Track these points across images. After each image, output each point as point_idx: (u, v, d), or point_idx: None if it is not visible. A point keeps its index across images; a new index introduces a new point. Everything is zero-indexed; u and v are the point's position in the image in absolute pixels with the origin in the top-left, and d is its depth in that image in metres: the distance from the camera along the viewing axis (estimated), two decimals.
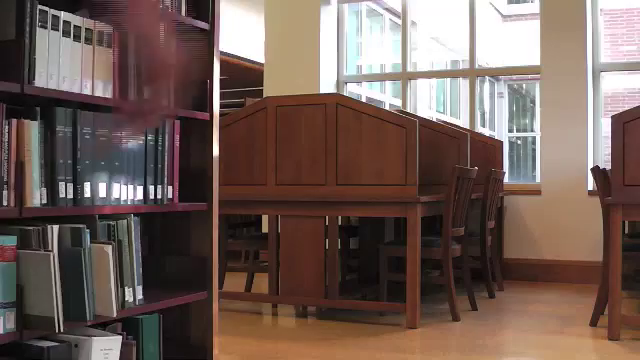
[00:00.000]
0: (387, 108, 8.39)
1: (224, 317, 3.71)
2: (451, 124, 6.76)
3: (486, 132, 12.03)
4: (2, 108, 2.06)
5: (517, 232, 6.26)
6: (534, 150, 14.46)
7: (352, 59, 9.40)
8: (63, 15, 2.26)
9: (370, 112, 4.35)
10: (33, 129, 2.15)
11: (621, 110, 4.14)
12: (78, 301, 2.16)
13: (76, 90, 2.29)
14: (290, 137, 4.47)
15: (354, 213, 4.91)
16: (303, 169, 4.42)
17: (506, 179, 6.30)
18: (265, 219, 5.58)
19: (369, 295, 4.80)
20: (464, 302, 4.68)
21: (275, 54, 7.17)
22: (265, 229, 5.37)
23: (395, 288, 4.50)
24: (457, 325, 4.33)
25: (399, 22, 7.48)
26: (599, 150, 6.31)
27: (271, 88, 6.93)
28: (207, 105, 2.82)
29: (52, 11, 2.22)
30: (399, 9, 7.39)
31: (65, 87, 2.26)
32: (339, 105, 4.38)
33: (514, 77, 14.57)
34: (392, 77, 8.66)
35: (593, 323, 4.18)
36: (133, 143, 2.51)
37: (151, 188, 2.59)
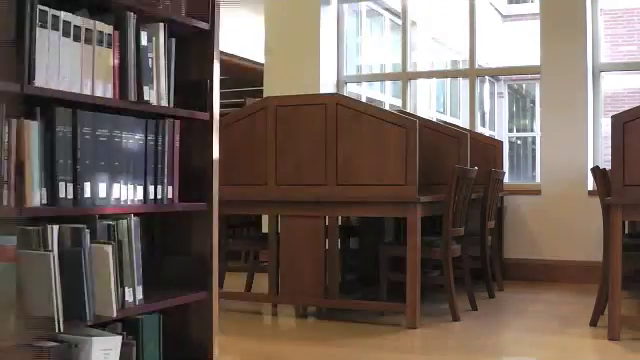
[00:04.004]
0: (387, 108, 8.39)
1: (224, 317, 3.70)
2: (451, 124, 6.76)
3: (486, 132, 12.02)
4: (2, 108, 2.06)
5: (517, 232, 6.26)
6: (534, 150, 14.45)
7: (352, 59, 9.39)
8: (63, 15, 2.26)
9: (370, 112, 4.35)
10: (33, 129, 2.15)
11: (621, 110, 4.14)
12: (78, 301, 2.16)
13: (76, 90, 2.30)
14: (290, 137, 4.46)
15: (354, 213, 4.91)
16: (303, 169, 4.41)
17: (506, 179, 6.29)
18: (265, 219, 5.58)
19: (369, 295, 4.80)
20: (464, 302, 4.68)
21: (275, 54, 7.17)
22: (265, 229, 5.37)
23: (395, 288, 4.49)
24: (457, 325, 4.33)
25: (399, 22, 7.48)
26: (599, 150, 6.31)
27: (271, 88, 6.93)
28: (207, 105, 2.82)
29: (52, 11, 2.22)
30: (399, 9, 7.39)
31: (65, 87, 2.26)
32: (339, 105, 4.38)
33: (514, 77, 14.56)
34: (392, 77, 8.66)
35: (593, 323, 4.18)
36: (133, 143, 2.52)
37: (151, 188, 2.59)
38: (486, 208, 5.14)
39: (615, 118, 3.88)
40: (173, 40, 2.71)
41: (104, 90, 2.40)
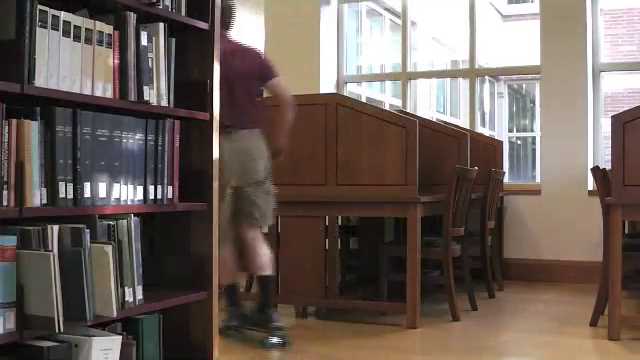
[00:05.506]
0: (387, 108, 8.39)
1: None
2: (451, 124, 6.76)
3: (486, 132, 12.03)
4: (2, 108, 2.06)
5: (517, 232, 6.26)
6: (534, 150, 14.46)
7: (352, 59, 9.39)
8: (63, 15, 2.26)
9: (370, 112, 4.35)
10: (33, 129, 2.15)
11: (621, 110, 4.14)
12: (78, 301, 2.16)
13: (76, 90, 2.29)
14: (290, 137, 4.46)
15: (354, 213, 4.91)
16: (303, 169, 4.41)
17: (506, 179, 6.30)
18: None
19: (369, 295, 4.80)
20: (464, 302, 4.68)
21: (275, 54, 7.15)
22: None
23: (395, 288, 4.49)
24: (457, 325, 4.33)
25: (399, 22, 7.48)
26: (599, 150, 6.31)
27: None
28: (207, 105, 2.82)
29: (52, 11, 2.22)
30: (399, 9, 7.39)
31: (65, 87, 2.26)
32: (339, 105, 4.38)
33: (514, 77, 14.57)
34: (392, 77, 8.67)
35: (593, 323, 4.18)
36: (133, 143, 2.52)
37: (151, 188, 2.59)
38: (486, 208, 5.14)
39: (615, 118, 3.88)
40: (173, 40, 2.71)
41: (104, 90, 2.39)
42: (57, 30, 2.23)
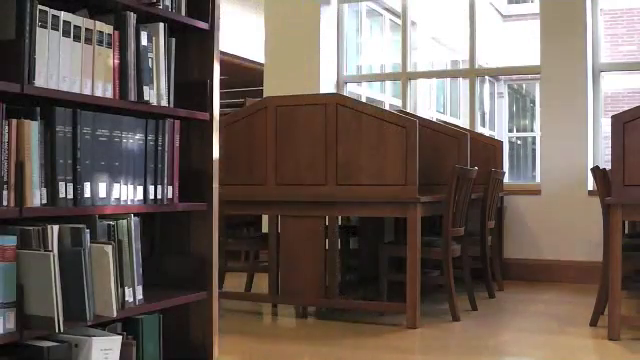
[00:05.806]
0: (387, 108, 8.39)
1: (224, 317, 3.70)
2: (451, 124, 6.76)
3: (486, 132, 12.03)
4: (2, 108, 2.06)
5: (517, 232, 6.26)
6: (534, 150, 14.46)
7: (352, 59, 9.39)
8: (63, 15, 2.26)
9: (370, 112, 4.35)
10: (33, 129, 2.15)
11: (621, 110, 4.14)
12: (78, 301, 2.16)
13: (76, 90, 2.30)
14: (290, 137, 4.46)
15: (354, 213, 4.91)
16: (303, 169, 4.42)
17: (506, 179, 6.29)
18: (265, 219, 5.58)
19: (369, 295, 4.80)
20: (464, 302, 4.68)
21: (275, 54, 7.17)
22: (265, 229, 5.37)
23: (395, 288, 4.49)
24: (457, 325, 4.33)
25: (399, 22, 7.48)
26: (599, 150, 6.31)
27: (271, 88, 6.93)
28: (207, 105, 2.82)
29: (52, 11, 2.22)
30: (399, 9, 7.39)
31: (65, 87, 2.26)
32: (339, 105, 4.38)
33: (514, 77, 14.57)
34: (392, 77, 8.66)
35: (593, 323, 4.18)
36: (133, 143, 2.52)
37: (151, 188, 2.59)
38: (486, 208, 5.14)
39: (615, 118, 3.88)
40: (173, 40, 2.71)
41: (104, 90, 2.40)
42: (57, 30, 2.24)
